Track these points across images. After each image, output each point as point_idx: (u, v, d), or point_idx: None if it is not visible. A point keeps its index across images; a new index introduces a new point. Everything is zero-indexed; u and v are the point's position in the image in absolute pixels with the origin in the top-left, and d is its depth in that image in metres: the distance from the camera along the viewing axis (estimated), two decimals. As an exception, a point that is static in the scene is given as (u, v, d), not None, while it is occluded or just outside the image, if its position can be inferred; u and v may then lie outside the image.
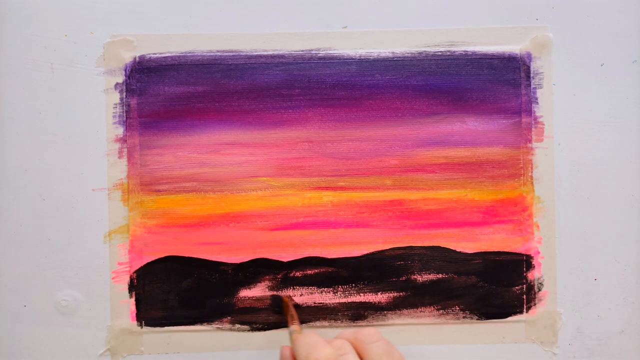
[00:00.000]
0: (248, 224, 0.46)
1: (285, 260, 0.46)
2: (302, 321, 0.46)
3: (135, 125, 0.45)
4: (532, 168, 0.46)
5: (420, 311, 0.46)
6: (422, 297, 0.46)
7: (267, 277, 0.46)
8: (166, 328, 0.46)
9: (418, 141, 0.46)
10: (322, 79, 0.46)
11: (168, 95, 0.45)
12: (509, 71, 0.46)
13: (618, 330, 0.47)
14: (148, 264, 0.45)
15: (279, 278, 0.46)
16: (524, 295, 0.46)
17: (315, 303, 0.46)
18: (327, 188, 0.46)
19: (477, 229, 0.46)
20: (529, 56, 0.46)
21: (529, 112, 0.46)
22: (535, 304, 0.46)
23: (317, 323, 0.46)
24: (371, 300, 0.46)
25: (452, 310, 0.46)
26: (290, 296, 0.45)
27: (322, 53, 0.46)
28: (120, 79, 0.45)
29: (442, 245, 0.46)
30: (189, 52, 0.45)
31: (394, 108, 0.46)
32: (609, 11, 0.46)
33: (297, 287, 0.46)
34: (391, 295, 0.46)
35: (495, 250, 0.46)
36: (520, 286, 0.46)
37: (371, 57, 0.46)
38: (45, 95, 0.45)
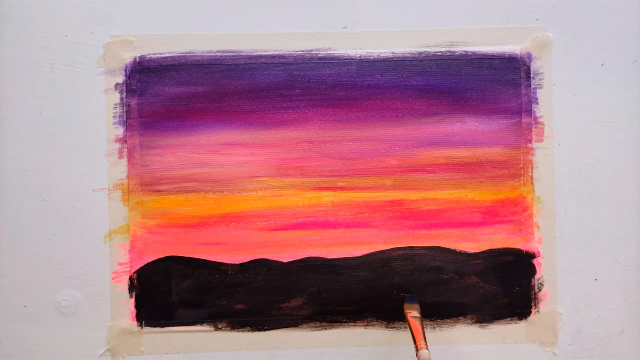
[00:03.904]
0: (248, 224, 0.46)
1: (285, 260, 0.46)
2: (305, 321, 0.46)
3: (135, 125, 0.45)
4: (532, 168, 0.46)
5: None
6: (422, 297, 0.46)
7: (267, 277, 0.46)
8: (166, 328, 0.46)
9: (418, 141, 0.46)
10: (322, 79, 0.46)
11: (168, 95, 0.45)
12: (509, 71, 0.46)
13: (618, 330, 0.47)
14: (148, 264, 0.45)
15: (278, 278, 0.46)
16: (524, 296, 0.46)
17: (315, 303, 0.46)
18: (327, 188, 0.46)
19: (477, 229, 0.46)
20: (529, 56, 0.46)
21: (529, 112, 0.46)
22: (535, 304, 0.46)
23: (317, 323, 0.46)
24: (371, 301, 0.46)
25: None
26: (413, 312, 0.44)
27: (322, 53, 0.46)
28: (121, 79, 0.45)
29: (443, 246, 0.46)
30: (189, 52, 0.45)
31: (394, 108, 0.46)
32: (609, 11, 0.46)
33: (298, 287, 0.46)
34: (391, 295, 0.46)
35: (496, 250, 0.46)
36: (520, 286, 0.46)
37: (371, 57, 0.46)
38: (45, 95, 0.45)
